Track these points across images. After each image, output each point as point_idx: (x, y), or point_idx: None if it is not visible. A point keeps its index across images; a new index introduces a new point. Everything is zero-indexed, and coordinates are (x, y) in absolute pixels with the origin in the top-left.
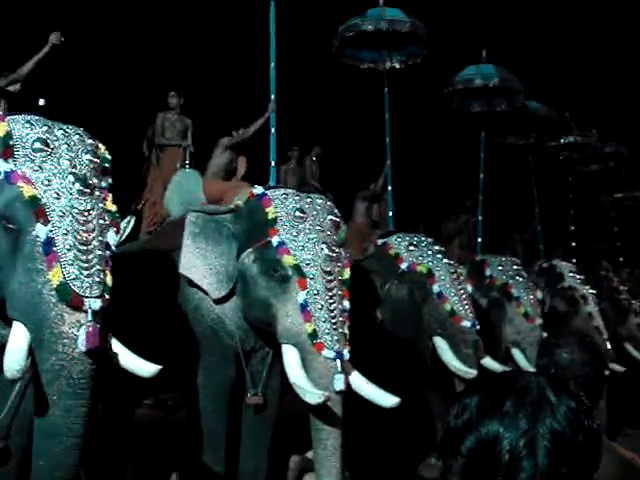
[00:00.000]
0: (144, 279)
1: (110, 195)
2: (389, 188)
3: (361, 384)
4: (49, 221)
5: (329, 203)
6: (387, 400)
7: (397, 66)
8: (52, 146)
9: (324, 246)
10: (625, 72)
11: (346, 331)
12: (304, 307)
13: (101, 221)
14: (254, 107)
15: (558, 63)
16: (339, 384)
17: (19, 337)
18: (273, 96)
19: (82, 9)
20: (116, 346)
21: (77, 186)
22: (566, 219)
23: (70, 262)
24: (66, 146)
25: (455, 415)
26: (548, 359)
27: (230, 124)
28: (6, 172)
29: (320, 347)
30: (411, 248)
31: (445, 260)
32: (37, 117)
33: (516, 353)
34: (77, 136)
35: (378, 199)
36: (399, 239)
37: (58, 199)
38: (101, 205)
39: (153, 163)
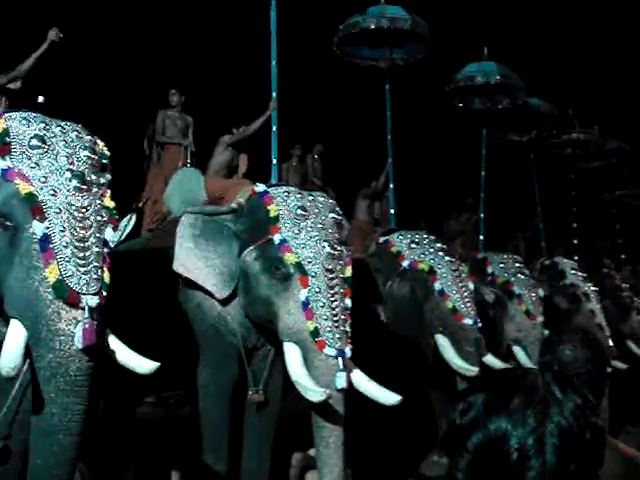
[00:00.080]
0: (145, 277)
1: (108, 191)
2: (391, 186)
3: (363, 382)
4: (46, 218)
5: (331, 201)
6: (389, 398)
7: (398, 63)
8: (49, 143)
9: (326, 244)
10: (627, 69)
11: (348, 329)
12: (306, 305)
13: (99, 218)
14: (255, 105)
15: (560, 60)
16: (341, 382)
17: (15, 335)
18: (274, 94)
19: (83, 5)
20: (114, 343)
21: (74, 183)
22: (568, 216)
23: (67, 259)
24: (64, 143)
25: (461, 412)
26: (550, 356)
27: (231, 122)
28: (3, 169)
29: (322, 345)
30: (413, 246)
31: (447, 258)
32: (34, 114)
33: (517, 351)
34: (75, 132)
35: (380, 197)
36: (401, 237)
37: (55, 196)
38: (99, 202)
39: (154, 161)
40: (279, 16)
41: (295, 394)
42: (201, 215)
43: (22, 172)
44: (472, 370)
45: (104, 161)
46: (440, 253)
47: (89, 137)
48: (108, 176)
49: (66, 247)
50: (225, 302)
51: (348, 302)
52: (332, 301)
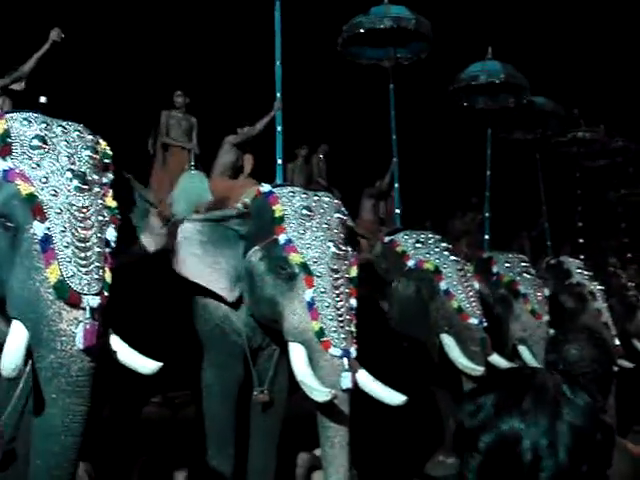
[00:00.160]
0: (151, 278)
1: (110, 191)
2: (396, 185)
3: (368, 382)
4: (47, 218)
5: (336, 201)
6: (394, 398)
7: (402, 63)
8: (50, 143)
9: (331, 244)
10: (633, 68)
11: (353, 329)
12: (311, 305)
13: (100, 218)
14: (260, 106)
15: (566, 59)
16: (346, 382)
17: (17, 336)
18: (279, 94)
19: (88, 6)
20: (116, 343)
21: (75, 183)
22: (573, 215)
23: (68, 259)
24: (65, 143)
25: (470, 414)
26: (556, 355)
27: (236, 123)
28: (4, 170)
29: (327, 345)
30: (418, 245)
31: (452, 257)
32: (36, 114)
33: (523, 350)
34: (77, 132)
35: (384, 196)
36: (406, 236)
37: (56, 196)
38: (100, 202)
39: (159, 162)
40: (283, 17)
41: (301, 394)
42: (207, 222)
43: (23, 173)
44: (478, 370)
45: (106, 161)
46: (445, 253)
47: (91, 137)
48: (110, 176)
49: (67, 247)
50: (231, 302)
51: (353, 302)
52: (337, 301)
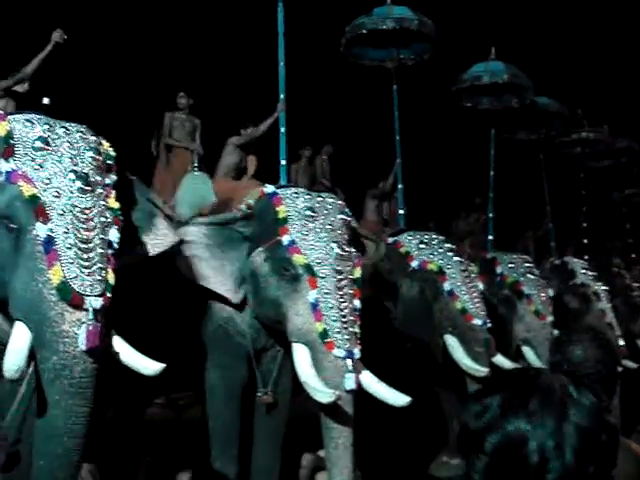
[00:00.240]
0: (154, 280)
1: (113, 192)
2: (400, 186)
3: (372, 383)
4: (49, 220)
5: (340, 202)
6: (398, 399)
7: (406, 64)
8: (53, 144)
9: (335, 245)
10: (637, 68)
11: (357, 330)
12: (314, 306)
13: (102, 219)
14: (263, 107)
15: (569, 59)
16: (350, 383)
17: (20, 337)
18: (282, 95)
19: (91, 7)
20: (119, 344)
21: (78, 184)
22: (578, 216)
23: (70, 261)
24: (68, 144)
25: (475, 415)
26: (561, 356)
27: (239, 124)
28: (7, 172)
29: (331, 346)
30: (422, 246)
31: (456, 258)
32: (38, 116)
33: (527, 351)
34: (79, 134)
35: (388, 197)
36: (409, 237)
37: (58, 197)
38: (103, 203)
39: (162, 164)
40: (286, 18)
41: (305, 395)
42: (212, 226)
43: (26, 174)
44: (482, 370)
45: (109, 162)
46: (449, 253)
47: (93, 138)
48: (113, 177)
49: (70, 249)
50: (235, 303)
51: (357, 303)
52: (341, 302)
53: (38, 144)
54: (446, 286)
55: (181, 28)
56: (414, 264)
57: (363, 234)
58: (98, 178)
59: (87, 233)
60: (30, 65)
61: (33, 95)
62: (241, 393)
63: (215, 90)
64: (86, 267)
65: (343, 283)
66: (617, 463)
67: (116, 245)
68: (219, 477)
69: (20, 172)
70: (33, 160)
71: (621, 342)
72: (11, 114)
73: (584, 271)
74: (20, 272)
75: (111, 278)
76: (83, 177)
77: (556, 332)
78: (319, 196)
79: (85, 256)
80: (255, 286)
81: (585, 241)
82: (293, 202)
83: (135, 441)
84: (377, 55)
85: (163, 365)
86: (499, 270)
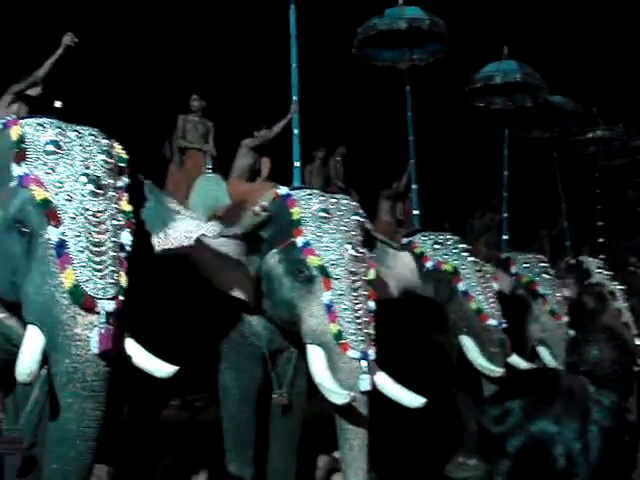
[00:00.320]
0: (169, 282)
1: (125, 195)
2: (414, 186)
3: (387, 384)
4: (61, 223)
5: (354, 203)
6: (413, 400)
7: (418, 64)
8: (65, 148)
9: (349, 246)
10: None
11: (371, 331)
12: (329, 307)
13: (115, 222)
14: (276, 109)
15: (584, 57)
16: (364, 384)
17: (32, 341)
18: (295, 97)
19: (104, 10)
20: (132, 347)
21: (89, 187)
22: (593, 215)
23: (83, 264)
24: (79, 147)
25: (496, 419)
26: (577, 357)
27: (253, 126)
28: (19, 176)
29: (345, 347)
30: (436, 247)
31: (471, 258)
32: (50, 120)
33: (542, 351)
34: (91, 137)
35: (402, 197)
36: (424, 238)
37: (70, 201)
38: (115, 206)
39: (176, 166)
40: (298, 20)
41: (320, 396)
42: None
43: (38, 178)
44: (497, 371)
45: (121, 164)
46: (464, 254)
47: (105, 141)
48: (125, 179)
49: (82, 252)
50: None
51: (371, 304)
52: (355, 303)
53: (50, 148)
54: (461, 286)
55: (193, 30)
56: (429, 265)
57: (378, 238)
58: (110, 181)
59: (99, 236)
60: (42, 69)
61: (46, 99)
62: (256, 395)
63: (228, 92)
64: (98, 270)
65: (357, 284)
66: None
67: (128, 248)
68: (235, 478)
69: (32, 176)
70: (45, 164)
71: (637, 342)
72: (23, 118)
73: (600, 270)
74: (32, 276)
75: (123, 281)
76: (95, 180)
77: (572, 332)
78: (333, 197)
79: (97, 259)
80: (269, 288)
81: (600, 240)
82: (307, 203)
83: (151, 443)
84: (390, 56)
85: (176, 367)
86: (514, 270)
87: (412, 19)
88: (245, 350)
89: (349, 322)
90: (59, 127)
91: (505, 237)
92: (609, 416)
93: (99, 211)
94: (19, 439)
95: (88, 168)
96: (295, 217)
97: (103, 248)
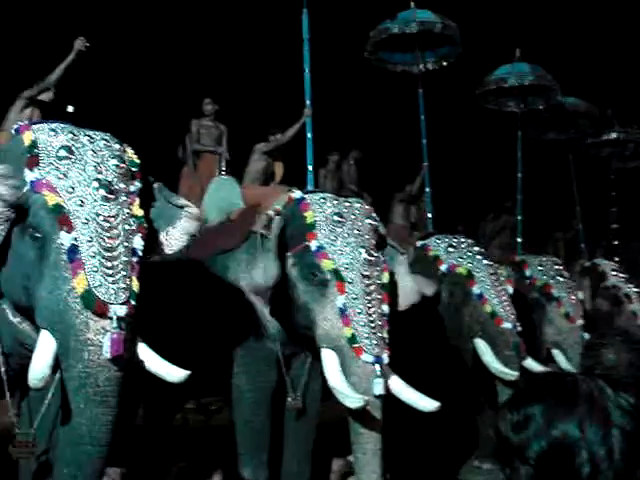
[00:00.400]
0: (184, 286)
1: (137, 200)
2: (427, 189)
3: (401, 388)
4: (73, 229)
5: (367, 207)
6: (427, 404)
7: (431, 67)
8: (77, 153)
9: (362, 250)
10: None
11: (385, 335)
12: (343, 311)
13: (127, 227)
14: (289, 113)
15: (598, 59)
16: (378, 388)
17: (45, 346)
18: (308, 101)
19: (116, 14)
20: (144, 352)
21: (101, 192)
22: (608, 217)
23: (95, 269)
24: (91, 152)
25: (516, 425)
26: (593, 360)
27: (265, 130)
28: (32, 181)
29: (359, 351)
30: (450, 250)
31: (485, 261)
32: (62, 125)
33: (557, 354)
34: (103, 142)
35: (415, 201)
36: (438, 241)
37: (82, 206)
38: (127, 210)
39: (190, 170)
40: (311, 24)
41: (334, 400)
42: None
43: (50, 183)
44: (512, 374)
45: (133, 169)
46: (478, 257)
47: (118, 145)
48: (138, 184)
49: (94, 257)
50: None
51: (385, 308)
52: (369, 307)
53: (62, 153)
54: (475, 290)
55: (206, 34)
56: (443, 268)
57: (389, 244)
58: (122, 186)
59: (111, 241)
60: (54, 74)
61: (58, 104)
62: (271, 398)
63: (241, 96)
64: (110, 275)
65: (371, 288)
66: None
67: (140, 253)
68: None
69: (44, 181)
70: (57, 169)
71: None
72: (35, 124)
73: (615, 273)
74: (45, 281)
75: (135, 286)
76: (106, 185)
77: (586, 335)
78: (347, 201)
79: (109, 264)
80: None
81: (615, 242)
82: (321, 207)
83: (166, 446)
84: (402, 59)
85: (188, 372)
86: (528, 273)
87: (424, 22)
88: (260, 353)
89: (363, 326)
90: (71, 132)
91: (519, 240)
92: (630, 419)
93: (111, 216)
94: (33, 443)
95: (100, 173)
96: (309, 221)
97: (115, 253)
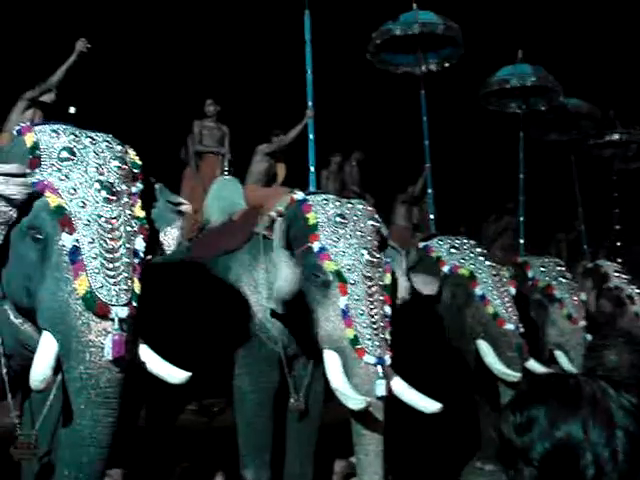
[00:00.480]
0: (186, 287)
1: (139, 201)
2: (430, 191)
3: (403, 389)
4: (75, 230)
5: (370, 208)
6: (429, 406)
7: (433, 69)
8: (79, 154)
9: (365, 251)
10: None
11: (387, 336)
12: (345, 313)
13: (128, 228)
14: (292, 114)
15: (600, 60)
16: (381, 390)
17: (46, 348)
18: (310, 102)
19: (118, 15)
20: (145, 353)
21: (103, 194)
22: (610, 218)
23: (96, 271)
24: (93, 154)
25: (518, 427)
26: (595, 361)
27: (268, 131)
28: (33, 182)
29: (361, 353)
30: (453, 251)
31: (487, 263)
32: (64, 126)
33: (559, 355)
34: (105, 143)
35: (418, 202)
36: (440, 242)
37: (84, 208)
38: (128, 212)
39: (192, 170)
40: (313, 25)
41: (336, 401)
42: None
43: (51, 185)
44: (514, 376)
45: (135, 170)
46: (480, 258)
47: (119, 147)
48: (139, 185)
49: (95, 259)
50: (266, 309)
51: (388, 309)
52: (371, 308)
53: (64, 154)
54: (477, 291)
55: (208, 35)
56: (445, 269)
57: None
58: (124, 187)
59: (113, 243)
60: (55, 75)
61: (60, 105)
62: (274, 399)
63: (243, 97)
64: (112, 277)
65: (373, 289)
66: None
67: (142, 254)
68: None
69: (46, 183)
70: (59, 170)
71: None
72: (37, 125)
73: (617, 274)
74: (46, 282)
75: (137, 287)
76: (108, 187)
77: (589, 336)
78: (349, 202)
79: (111, 266)
80: None
81: (618, 244)
82: (323, 209)
83: (168, 447)
84: (404, 60)
85: (189, 374)
86: (530, 274)
87: (426, 24)
88: (262, 354)
89: (365, 327)
90: (73, 133)
91: (521, 241)
92: (633, 420)
93: (113, 217)
94: (35, 445)
95: (102, 174)
96: (311, 222)
97: (117, 254)
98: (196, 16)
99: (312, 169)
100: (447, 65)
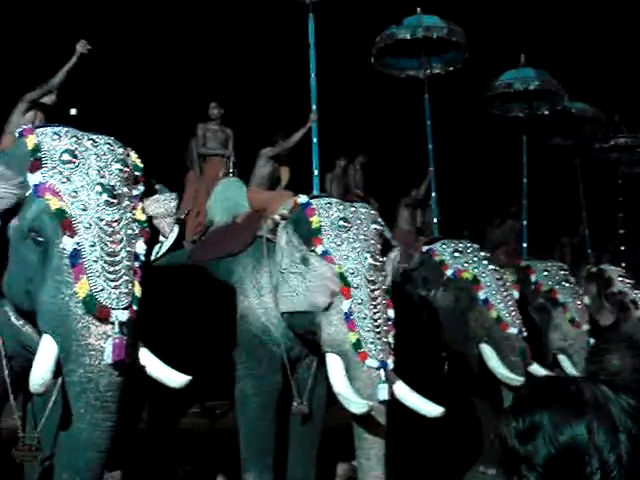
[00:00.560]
0: (189, 289)
1: (140, 204)
2: (433, 194)
3: (405, 393)
4: (76, 233)
5: (373, 212)
6: (432, 410)
7: (437, 73)
8: (80, 157)
9: (368, 255)
10: None
11: (390, 340)
12: (348, 316)
13: (129, 231)
14: (295, 118)
15: (605, 64)
16: (383, 393)
17: (46, 351)
18: (314, 106)
19: (120, 17)
20: (145, 356)
21: (104, 197)
22: (614, 222)
23: (97, 274)
24: (95, 156)
25: (521, 432)
26: (597, 366)
27: (271, 135)
28: (35, 185)
29: (364, 356)
30: (456, 255)
31: (491, 267)
32: (66, 128)
33: (563, 359)
34: (107, 146)
35: (421, 205)
36: (444, 246)
37: (85, 211)
38: (129, 215)
39: (196, 173)
40: (317, 29)
41: (339, 404)
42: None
43: (53, 187)
44: (517, 380)
45: (137, 173)
46: (484, 262)
47: (121, 150)
48: (141, 188)
49: (96, 262)
50: (269, 313)
51: (390, 313)
52: (374, 312)
53: (65, 157)
54: (481, 295)
55: (212, 38)
56: (449, 273)
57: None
58: (125, 190)
59: (113, 246)
60: (56, 76)
61: (61, 106)
62: (276, 402)
63: (247, 101)
64: (112, 280)
65: (376, 293)
66: None
67: (143, 257)
68: None
69: (47, 185)
70: (60, 173)
71: None
72: (39, 127)
73: (621, 279)
74: (47, 285)
75: (138, 290)
76: (109, 190)
77: (592, 340)
78: (352, 206)
79: (111, 269)
80: None
81: (622, 248)
82: (326, 212)
83: (170, 450)
84: (408, 64)
85: (189, 377)
86: (534, 278)
87: (430, 28)
88: (264, 357)
89: (368, 331)
90: (75, 136)
91: (525, 245)
92: (635, 423)
93: (114, 220)
94: (37, 447)
95: (103, 177)
96: (315, 226)
97: (117, 258)
98: (200, 19)
99: (316, 172)
100: (451, 69)
